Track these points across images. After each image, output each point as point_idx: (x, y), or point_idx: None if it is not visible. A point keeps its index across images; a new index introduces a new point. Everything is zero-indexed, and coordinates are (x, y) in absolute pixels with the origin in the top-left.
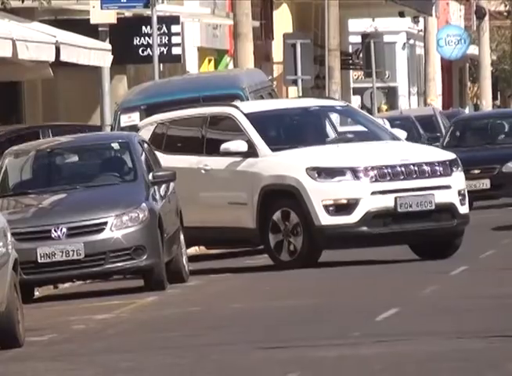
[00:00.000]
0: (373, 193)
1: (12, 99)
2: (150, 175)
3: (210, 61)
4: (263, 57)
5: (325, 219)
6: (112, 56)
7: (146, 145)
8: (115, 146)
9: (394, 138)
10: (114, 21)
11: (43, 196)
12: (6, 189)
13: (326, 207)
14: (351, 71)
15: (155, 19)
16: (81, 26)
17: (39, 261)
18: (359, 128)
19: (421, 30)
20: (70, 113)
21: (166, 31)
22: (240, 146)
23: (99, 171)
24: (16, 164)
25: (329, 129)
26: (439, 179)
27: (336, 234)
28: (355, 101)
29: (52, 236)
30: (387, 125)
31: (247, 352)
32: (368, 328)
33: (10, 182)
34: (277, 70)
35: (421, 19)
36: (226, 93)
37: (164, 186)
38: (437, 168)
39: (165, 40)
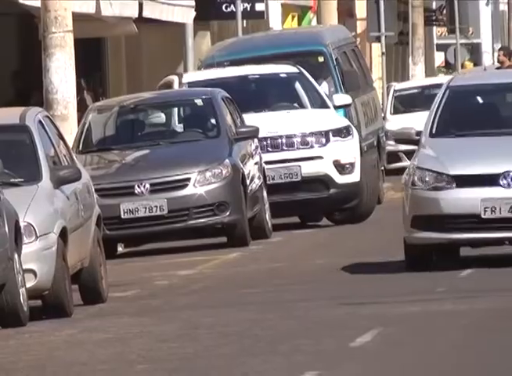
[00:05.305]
0: None
1: (96, 55)
2: (233, 131)
3: (293, 17)
4: (346, 13)
5: None
6: (195, 13)
7: (229, 101)
8: (198, 102)
9: (324, 106)
10: None
11: (126, 152)
12: (89, 145)
13: None
14: (434, 27)
15: None
16: None
17: (122, 217)
18: None
19: None
20: (153, 69)
21: None
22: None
23: (182, 127)
24: (99, 119)
25: (271, 97)
26: (309, 150)
27: None
28: (439, 57)
29: (136, 192)
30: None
31: (331, 307)
32: (452, 284)
33: (93, 138)
34: (360, 26)
35: None
36: (310, 50)
37: (247, 142)
38: (308, 138)
39: None
